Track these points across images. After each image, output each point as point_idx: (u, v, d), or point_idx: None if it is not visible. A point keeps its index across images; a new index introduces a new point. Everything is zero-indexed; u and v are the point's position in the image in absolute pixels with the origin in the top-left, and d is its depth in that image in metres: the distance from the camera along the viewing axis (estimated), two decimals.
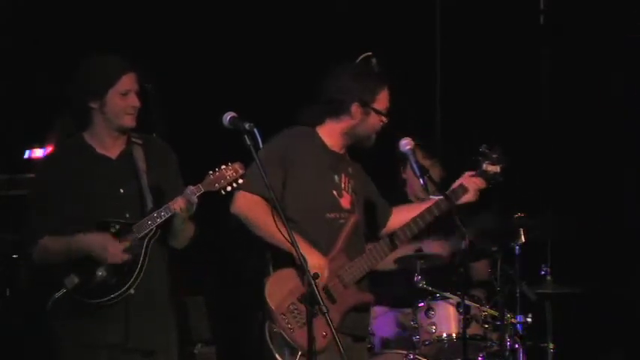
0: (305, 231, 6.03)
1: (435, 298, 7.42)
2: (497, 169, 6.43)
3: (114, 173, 6.07)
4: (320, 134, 6.28)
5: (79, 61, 6.16)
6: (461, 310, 7.24)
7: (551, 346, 7.49)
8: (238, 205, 6.11)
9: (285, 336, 6.05)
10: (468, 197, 6.46)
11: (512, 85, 8.68)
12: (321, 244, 6.12)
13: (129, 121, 6.02)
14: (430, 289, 7.38)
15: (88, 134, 6.06)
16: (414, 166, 6.28)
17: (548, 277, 7.47)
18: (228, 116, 5.66)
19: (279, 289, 6.09)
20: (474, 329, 7.31)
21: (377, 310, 7.26)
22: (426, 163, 7.00)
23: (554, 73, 8.74)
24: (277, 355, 6.06)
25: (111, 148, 6.11)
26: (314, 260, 5.91)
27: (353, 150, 6.47)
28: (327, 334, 5.83)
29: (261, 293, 6.14)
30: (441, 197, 6.33)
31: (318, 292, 5.57)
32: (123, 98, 6.01)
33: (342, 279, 6.17)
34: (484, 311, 7.35)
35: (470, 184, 6.42)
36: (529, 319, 7.29)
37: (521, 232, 7.32)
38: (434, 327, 7.33)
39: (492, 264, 7.46)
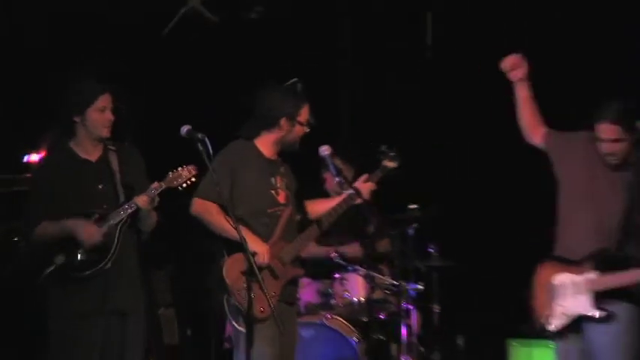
0: (251, 225, 6.00)
1: (347, 271, 7.37)
2: (394, 164, 6.42)
3: (94, 173, 6.02)
4: (257, 145, 6.22)
5: (66, 83, 6.11)
6: (368, 280, 7.32)
7: (436, 307, 7.60)
8: (195, 209, 6.07)
9: (240, 307, 5.94)
10: (364, 195, 6.37)
11: (407, 96, 8.52)
12: (264, 233, 6.09)
13: (105, 132, 5.99)
14: (344, 263, 7.39)
15: (73, 142, 6.01)
16: (332, 167, 6.27)
17: (434, 254, 7.55)
18: (185, 128, 5.62)
19: (234, 270, 5.96)
20: (377, 294, 7.35)
21: (303, 281, 7.07)
22: (341, 164, 6.77)
23: (439, 85, 8.52)
24: (234, 322, 5.97)
25: (91, 153, 6.04)
26: (258, 247, 5.97)
27: (282, 154, 6.40)
28: (264, 310, 5.83)
29: (220, 273, 6.03)
30: (352, 192, 6.23)
31: (257, 268, 5.63)
32: (100, 114, 5.95)
33: (282, 259, 6.11)
34: (385, 280, 7.41)
35: (362, 188, 6.34)
36: (420, 287, 7.40)
37: (416, 220, 7.34)
38: (347, 293, 7.32)
39: (392, 244, 7.49)
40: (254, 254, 5.76)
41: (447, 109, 8.46)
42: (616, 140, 5.91)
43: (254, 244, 5.90)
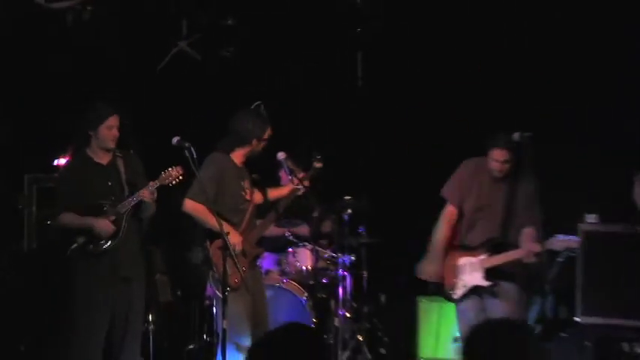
0: (228, 217, 6.29)
1: (298, 246, 7.68)
2: (320, 165, 6.73)
3: (105, 174, 6.27)
4: (232, 158, 6.45)
5: (85, 105, 6.31)
6: (313, 253, 7.59)
7: (365, 273, 7.74)
8: (187, 208, 6.25)
9: (220, 279, 6.18)
10: (305, 186, 6.68)
11: (343, 114, 8.49)
12: (237, 222, 6.37)
13: (111, 144, 6.23)
14: (295, 241, 7.70)
15: (89, 150, 6.27)
16: (286, 168, 6.68)
17: (363, 233, 7.78)
18: (175, 139, 5.95)
19: (217, 253, 6.23)
20: (321, 264, 7.67)
21: (265, 254, 7.31)
22: (292, 165, 6.83)
23: (368, 107, 8.48)
24: (215, 290, 6.23)
25: (103, 158, 6.28)
26: (234, 236, 6.24)
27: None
28: (238, 281, 6.11)
29: (207, 254, 6.32)
30: (301, 187, 6.63)
31: (234, 250, 6.02)
32: (109, 131, 6.21)
33: (249, 242, 6.40)
34: (327, 253, 7.72)
35: (293, 186, 6.68)
36: (352, 258, 7.66)
37: (350, 207, 7.56)
38: (298, 263, 7.62)
39: (332, 225, 7.72)
40: (230, 242, 5.99)
41: (374, 125, 8.30)
42: (505, 162, 6.23)
43: (233, 235, 6.18)
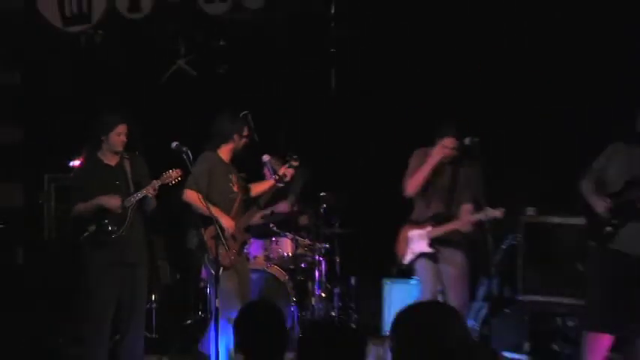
0: (220, 205, 6.38)
1: (280, 236, 7.75)
2: (296, 163, 6.72)
3: (113, 173, 6.37)
4: (219, 154, 6.57)
5: (97, 114, 6.41)
6: (294, 241, 7.71)
7: (338, 259, 7.89)
8: (187, 196, 6.34)
9: (213, 260, 6.24)
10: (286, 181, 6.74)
11: (317, 120, 8.39)
12: (227, 210, 6.44)
13: (120, 148, 6.34)
14: (278, 230, 7.74)
15: (100, 153, 6.37)
16: (270, 168, 6.82)
17: (337, 224, 7.90)
18: (174, 143, 6.10)
19: (210, 237, 6.29)
20: (300, 251, 7.74)
21: (252, 241, 7.58)
22: (275, 165, 6.84)
23: (340, 114, 8.34)
24: (210, 270, 6.32)
25: (112, 160, 6.39)
26: (227, 222, 6.34)
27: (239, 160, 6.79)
28: (230, 261, 6.22)
29: (202, 239, 6.39)
30: (282, 184, 6.72)
31: (224, 235, 6.12)
32: (118, 137, 6.32)
33: (238, 228, 6.47)
34: (305, 242, 7.77)
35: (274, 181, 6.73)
36: (327, 246, 7.76)
37: (325, 202, 7.68)
38: (280, 250, 7.69)
39: (310, 218, 7.89)
40: (223, 227, 6.12)
41: (345, 130, 8.24)
42: (453, 148, 6.42)
43: (224, 219, 6.29)
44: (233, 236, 6.35)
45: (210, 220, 6.22)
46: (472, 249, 6.66)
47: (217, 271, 6.12)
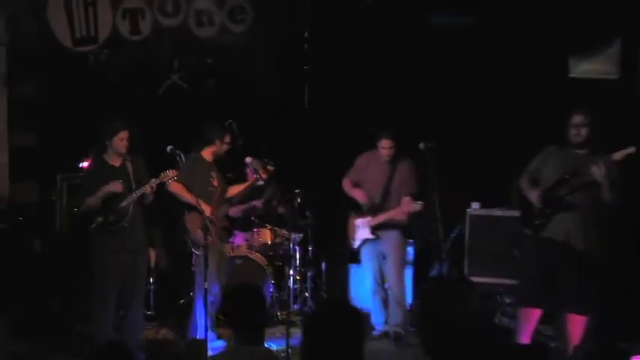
0: (202, 197, 6.51)
1: (260, 227, 7.80)
2: (272, 167, 6.99)
3: (117, 173, 6.40)
4: (203, 155, 6.81)
5: (103, 121, 6.42)
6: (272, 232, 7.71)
7: (310, 247, 7.94)
8: (172, 188, 6.55)
9: (196, 242, 6.46)
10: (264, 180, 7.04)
11: (292, 128, 8.40)
12: (208, 201, 6.62)
13: (123, 151, 6.38)
14: (258, 222, 7.82)
15: (105, 155, 6.43)
16: (252, 169, 7.05)
17: (309, 216, 7.97)
18: (169, 147, 6.39)
19: (192, 221, 6.51)
20: (278, 240, 7.76)
21: (236, 232, 7.74)
22: (257, 166, 6.99)
23: (313, 122, 8.40)
24: (194, 250, 6.54)
25: (116, 161, 6.43)
26: (206, 208, 6.50)
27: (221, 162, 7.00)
28: (210, 240, 6.28)
29: (184, 225, 6.55)
30: (263, 183, 7.07)
31: (209, 221, 6.25)
32: (121, 141, 6.37)
33: (217, 216, 6.69)
34: (282, 232, 7.78)
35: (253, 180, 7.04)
36: (301, 235, 7.89)
37: (299, 197, 7.72)
38: (261, 239, 7.75)
39: (287, 212, 7.80)
40: (203, 212, 6.27)
41: (316, 137, 8.23)
42: (390, 148, 6.76)
43: (204, 206, 6.46)
44: (211, 221, 6.46)
45: (191, 207, 6.40)
46: (426, 238, 6.92)
47: (201, 246, 6.23)
